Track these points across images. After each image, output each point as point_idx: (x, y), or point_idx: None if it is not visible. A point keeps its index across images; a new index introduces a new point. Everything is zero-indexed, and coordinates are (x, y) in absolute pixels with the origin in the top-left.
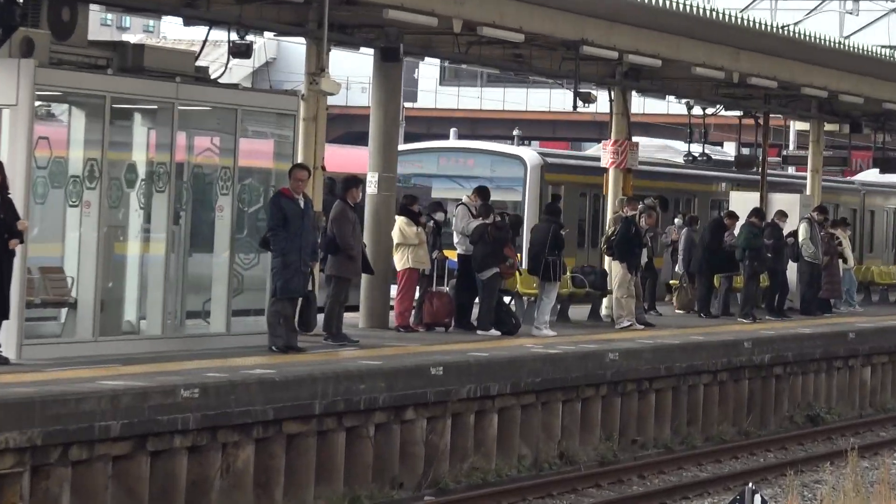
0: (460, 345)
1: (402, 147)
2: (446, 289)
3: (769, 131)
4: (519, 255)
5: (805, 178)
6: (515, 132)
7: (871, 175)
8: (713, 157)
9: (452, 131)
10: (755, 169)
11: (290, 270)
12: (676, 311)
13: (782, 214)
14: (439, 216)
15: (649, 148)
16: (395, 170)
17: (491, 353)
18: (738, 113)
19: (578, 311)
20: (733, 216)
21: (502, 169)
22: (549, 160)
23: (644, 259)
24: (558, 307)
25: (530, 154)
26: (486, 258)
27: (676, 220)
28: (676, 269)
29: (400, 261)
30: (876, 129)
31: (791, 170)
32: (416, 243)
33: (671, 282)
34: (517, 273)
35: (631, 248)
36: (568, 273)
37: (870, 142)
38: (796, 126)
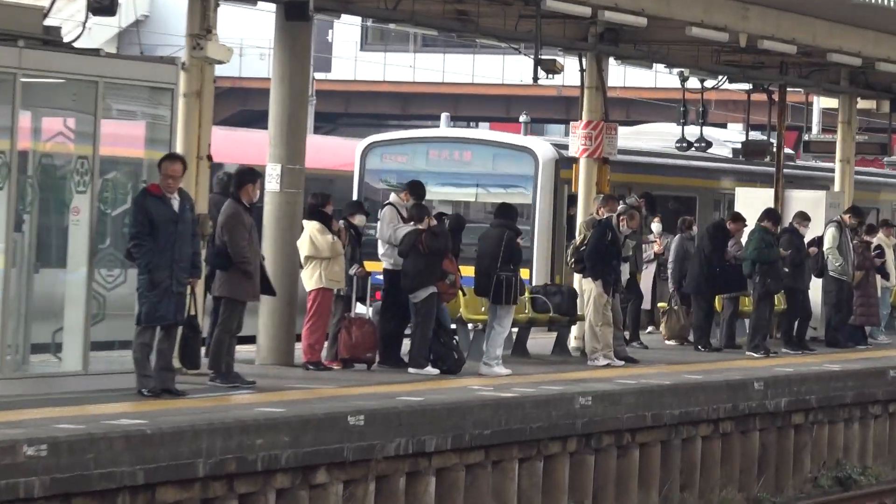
0: (387, 387)
1: (379, 136)
2: (369, 314)
3: (786, 110)
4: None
5: (832, 169)
6: (522, 118)
7: None
8: (714, 143)
9: (444, 116)
10: (768, 158)
11: (159, 291)
12: (666, 341)
13: (803, 217)
14: (359, 220)
15: (634, 133)
16: (303, 159)
17: (427, 397)
18: (745, 86)
19: (540, 343)
20: (739, 219)
21: (507, 164)
22: (565, 153)
23: (625, 275)
24: (514, 338)
25: (542, 146)
26: (420, 275)
27: (654, 226)
28: (669, 286)
29: (310, 278)
30: None
31: (814, 160)
32: (331, 256)
33: (660, 304)
34: (460, 293)
35: (607, 260)
36: (527, 294)
37: None
38: (821, 103)
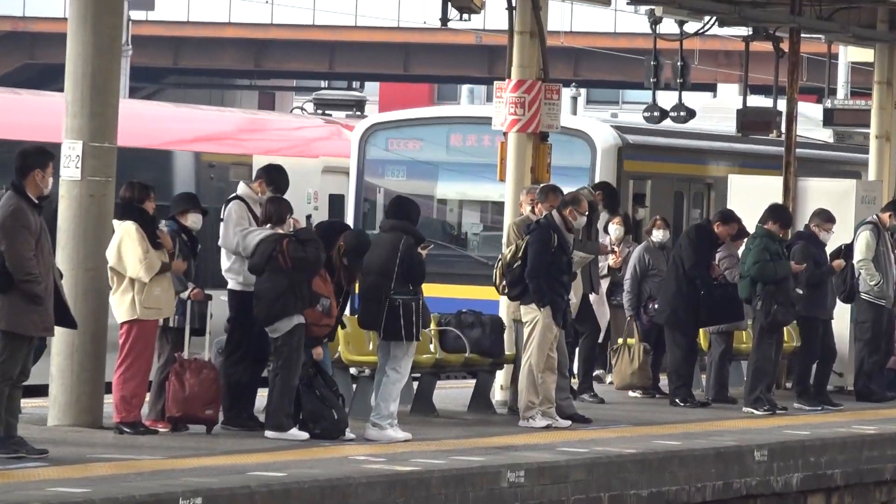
0: (235, 457)
1: (384, 116)
2: (209, 355)
3: (800, 64)
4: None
5: (866, 149)
6: (571, 91)
7: None
8: (802, 118)
9: (465, 89)
10: (774, 133)
11: None
12: (630, 393)
13: (825, 218)
14: (194, 220)
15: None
16: (114, 134)
17: (291, 472)
18: (742, 31)
19: (452, 396)
20: (731, 219)
21: (554, 152)
22: (631, 138)
23: (573, 298)
24: (415, 387)
25: (601, 129)
26: (281, 299)
27: (612, 230)
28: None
29: (120, 305)
30: None
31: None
32: (149, 273)
33: (629, 341)
34: (338, 326)
35: (554, 276)
36: (433, 325)
37: None
38: (849, 55)
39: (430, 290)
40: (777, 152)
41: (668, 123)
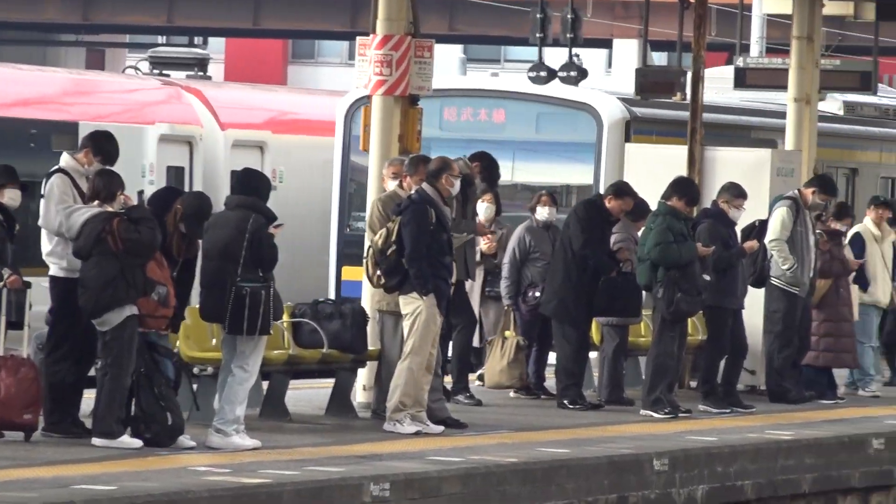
0: (57, 468)
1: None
2: (27, 351)
3: (708, 16)
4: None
5: (783, 112)
6: (575, 57)
7: None
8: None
9: (458, 59)
10: (678, 96)
11: None
12: (512, 394)
13: (735, 193)
14: (11, 197)
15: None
16: None
17: (122, 484)
18: None
19: (308, 398)
20: (623, 193)
21: (556, 128)
22: (639, 111)
23: (451, 277)
24: (265, 388)
25: (607, 102)
26: (110, 287)
27: (482, 209)
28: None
29: None
30: None
31: (753, 99)
32: None
33: (507, 334)
34: (175, 318)
35: (436, 257)
36: (286, 316)
37: None
38: (764, 7)
39: None
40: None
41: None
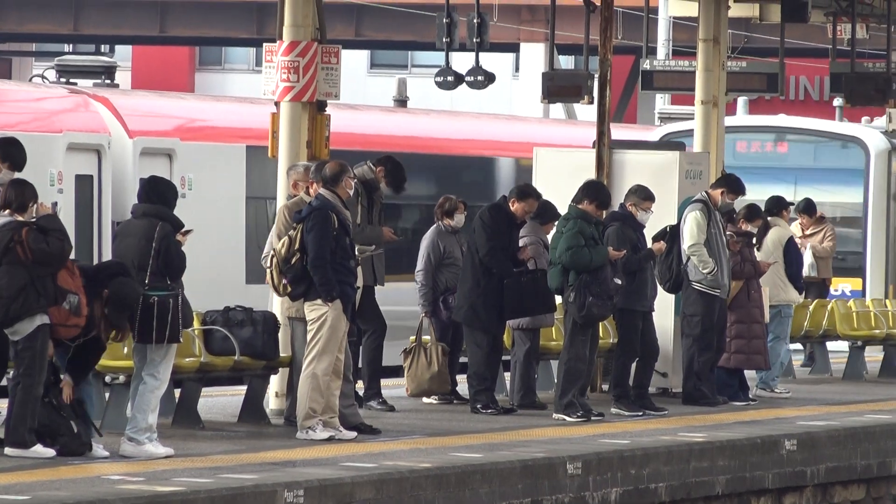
0: None
1: (669, 127)
2: None
3: (614, 19)
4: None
5: (691, 116)
6: (836, 102)
7: None
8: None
9: (740, 101)
10: (585, 100)
11: None
12: (425, 400)
13: (643, 195)
14: None
15: None
16: None
17: (36, 495)
18: None
19: (220, 405)
20: (527, 195)
21: (830, 157)
22: None
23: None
24: (177, 395)
25: (873, 136)
26: (21, 296)
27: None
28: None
29: None
30: (836, 14)
31: (661, 102)
32: None
33: (411, 340)
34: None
35: (340, 262)
36: (196, 324)
37: (826, 40)
38: (670, 9)
39: None
40: None
41: None
